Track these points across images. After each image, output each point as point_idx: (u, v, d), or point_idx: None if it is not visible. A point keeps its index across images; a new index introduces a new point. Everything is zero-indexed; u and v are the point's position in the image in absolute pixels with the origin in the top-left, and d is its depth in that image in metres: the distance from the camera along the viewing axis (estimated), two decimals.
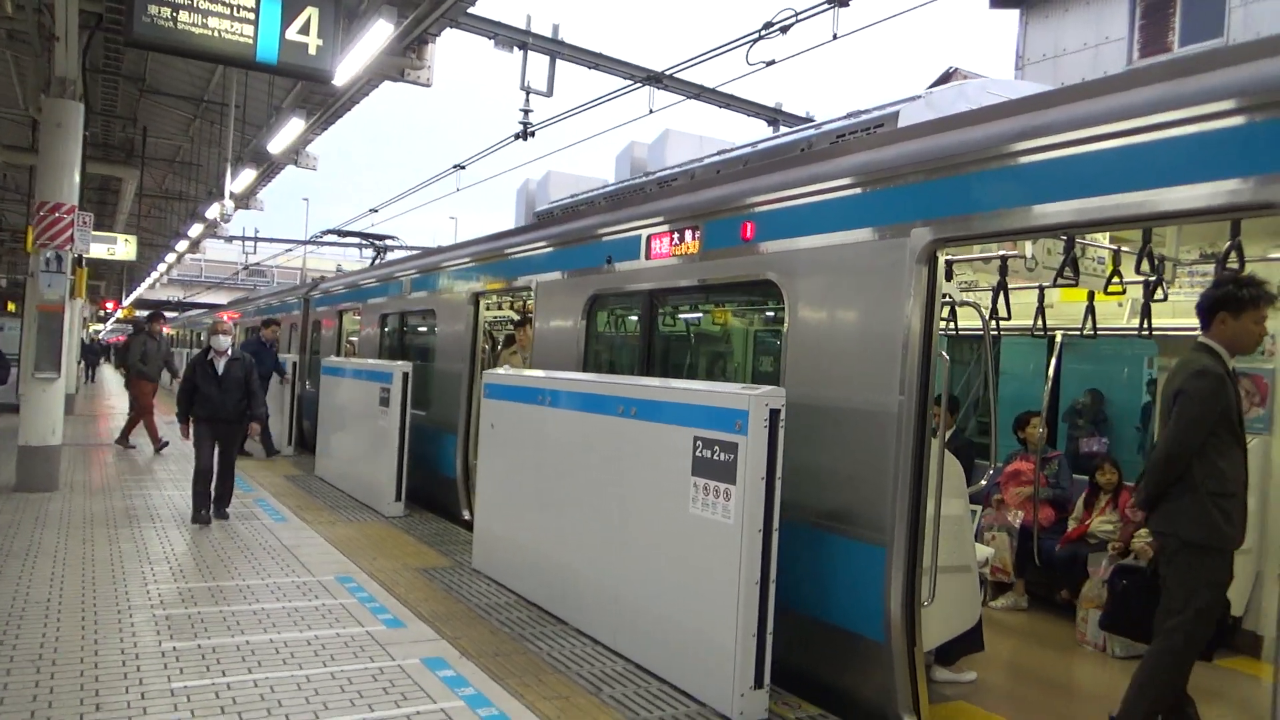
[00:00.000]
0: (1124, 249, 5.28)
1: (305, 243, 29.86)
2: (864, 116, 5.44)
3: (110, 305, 41.54)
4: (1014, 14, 15.45)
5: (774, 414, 4.10)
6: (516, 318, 9.90)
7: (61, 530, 7.28)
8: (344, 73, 6.62)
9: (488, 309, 9.53)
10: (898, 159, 4.36)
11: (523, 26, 11.08)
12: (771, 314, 6.17)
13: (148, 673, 4.31)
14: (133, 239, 16.39)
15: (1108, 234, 5.23)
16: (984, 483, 5.29)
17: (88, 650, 4.56)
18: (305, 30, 5.09)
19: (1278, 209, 3.00)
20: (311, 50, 5.15)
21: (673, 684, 4.48)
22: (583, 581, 5.32)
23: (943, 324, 5.24)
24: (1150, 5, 13.38)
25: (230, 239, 28.94)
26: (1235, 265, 4.19)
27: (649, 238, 6.08)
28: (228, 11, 4.91)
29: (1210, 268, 5.18)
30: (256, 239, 30.68)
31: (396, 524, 8.38)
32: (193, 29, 4.85)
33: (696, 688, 4.33)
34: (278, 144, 11.65)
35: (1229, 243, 3.95)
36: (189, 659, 4.53)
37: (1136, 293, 5.80)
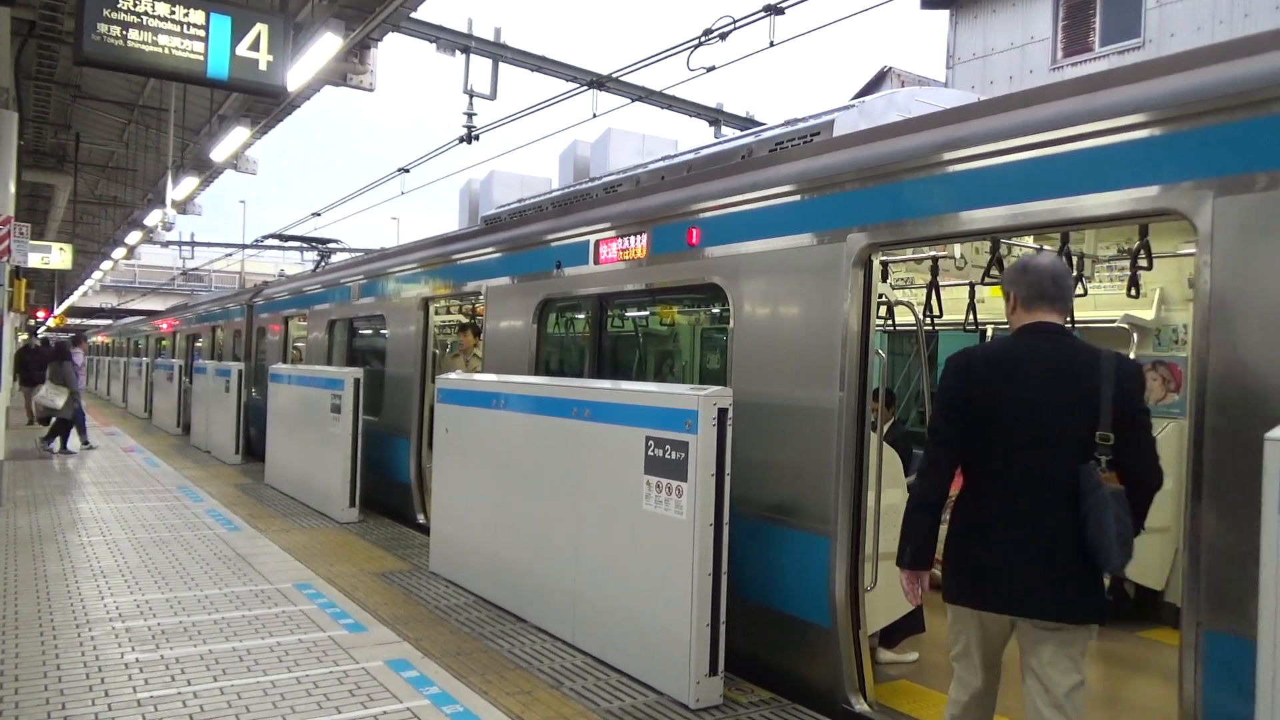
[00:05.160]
0: (1046, 248, 5.58)
1: (245, 246, 29.38)
2: (800, 125, 5.66)
3: (42, 313, 40.36)
4: (945, 14, 15.91)
5: (722, 413, 4.29)
6: (466, 321, 9.97)
7: (10, 546, 7.20)
8: (290, 84, 6.62)
9: (437, 314, 9.60)
10: (833, 168, 4.58)
11: (465, 30, 11.15)
12: (717, 316, 6.37)
13: (113, 684, 4.35)
14: (68, 248, 16.09)
15: (1031, 235, 5.53)
16: None
17: (50, 664, 4.58)
18: (255, 46, 5.15)
19: (1177, 215, 3.26)
20: (262, 66, 5.21)
21: (631, 675, 4.66)
22: (541, 580, 5.47)
23: (880, 321, 5.49)
24: (1072, 7, 13.91)
25: (167, 244, 28.38)
26: (1145, 264, 4.52)
27: (597, 243, 6.24)
28: (178, 29, 4.95)
29: (1126, 262, 5.50)
30: (194, 243, 30.15)
31: (351, 529, 8.43)
32: (143, 47, 4.87)
33: (654, 677, 4.52)
34: (221, 152, 11.56)
35: (1138, 242, 4.26)
36: (153, 669, 4.58)
37: None
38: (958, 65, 15.57)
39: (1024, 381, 3.04)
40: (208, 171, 14.86)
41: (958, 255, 5.48)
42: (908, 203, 4.19)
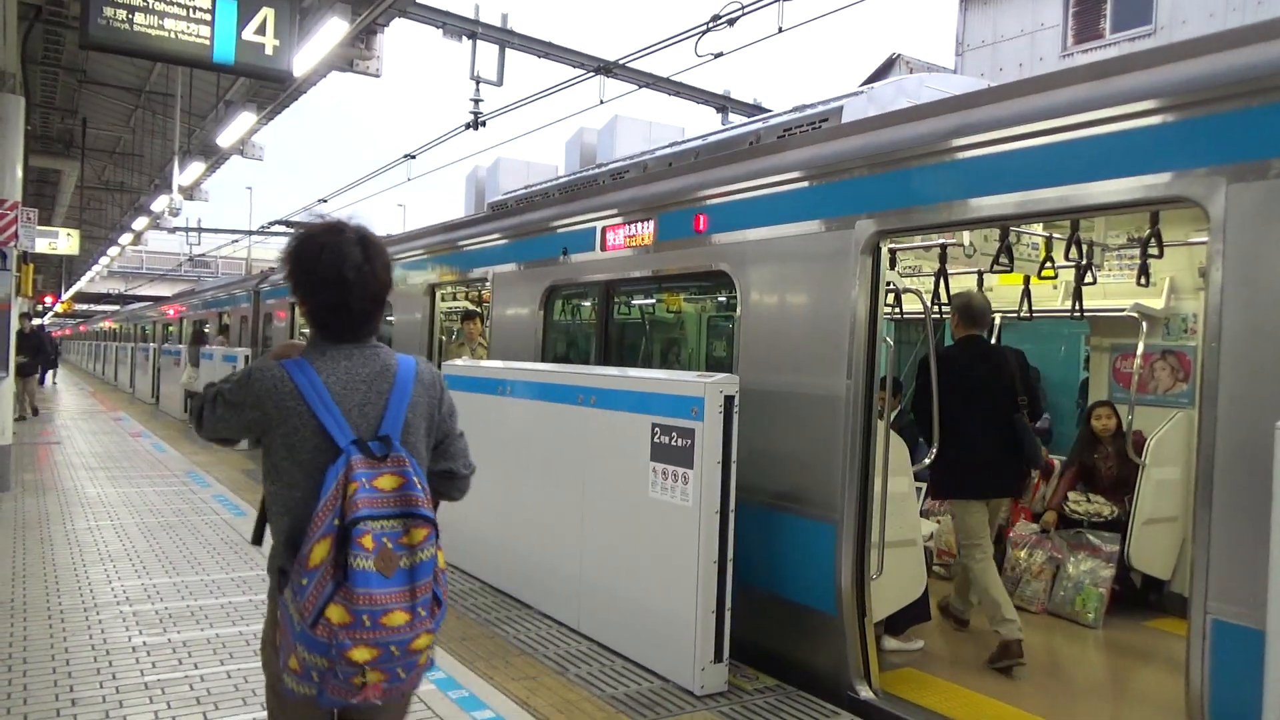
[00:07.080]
0: (1055, 236, 5.54)
1: (252, 233, 29.35)
2: (809, 111, 5.62)
3: (49, 299, 40.53)
4: (954, 1, 15.80)
5: (728, 400, 4.28)
6: (474, 308, 9.96)
7: (18, 530, 7.23)
8: (297, 69, 6.61)
9: (444, 300, 9.59)
10: (842, 154, 4.55)
11: (471, 16, 11.11)
12: (724, 303, 6.35)
13: (120, 667, 4.38)
14: (75, 233, 16.12)
15: (1040, 222, 5.49)
16: (926, 461, 5.53)
17: (58, 648, 4.61)
18: (262, 30, 5.12)
19: (1189, 203, 3.24)
20: (269, 50, 5.18)
21: (636, 661, 4.66)
22: (546, 566, 5.48)
23: (888, 309, 5.47)
24: None
25: (174, 230, 28.39)
26: (1155, 252, 4.48)
27: (604, 230, 6.21)
28: (184, 13, 4.92)
29: (1136, 251, 5.46)
30: (200, 229, 30.15)
31: None
32: (149, 30, 4.85)
33: (659, 664, 4.52)
34: (228, 137, 11.56)
35: (1149, 230, 4.22)
36: (160, 653, 4.60)
37: (1070, 275, 6.09)
38: (967, 52, 15.48)
39: (965, 366, 5.27)
40: (214, 157, 14.88)
41: (966, 243, 5.45)
42: (917, 189, 4.16)
